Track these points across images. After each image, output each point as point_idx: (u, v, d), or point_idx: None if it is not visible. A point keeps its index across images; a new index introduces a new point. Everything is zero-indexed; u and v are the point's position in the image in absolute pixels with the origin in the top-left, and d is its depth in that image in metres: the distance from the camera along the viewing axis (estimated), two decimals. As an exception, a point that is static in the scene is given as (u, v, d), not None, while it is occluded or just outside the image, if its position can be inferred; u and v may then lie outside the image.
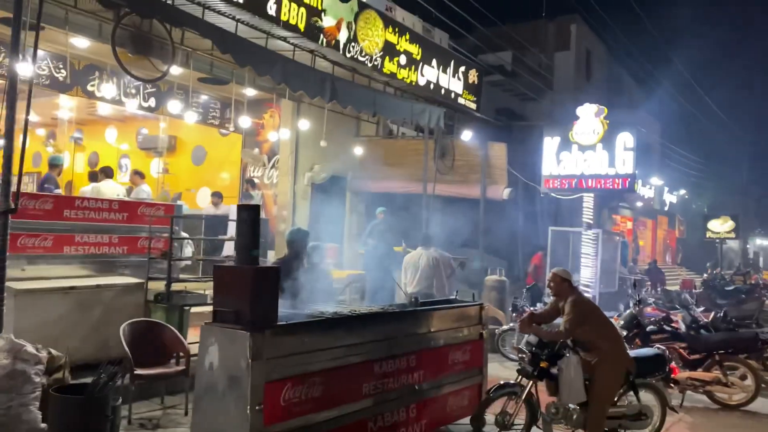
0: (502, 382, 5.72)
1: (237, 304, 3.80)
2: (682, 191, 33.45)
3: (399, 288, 6.92)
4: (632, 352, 6.00)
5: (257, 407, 3.68)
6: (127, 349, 5.82)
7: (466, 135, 12.59)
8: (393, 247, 10.62)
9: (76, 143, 12.07)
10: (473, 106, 12.81)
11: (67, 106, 11.99)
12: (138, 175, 10.71)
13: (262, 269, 3.90)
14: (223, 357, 3.82)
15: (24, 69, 5.61)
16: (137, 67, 8.01)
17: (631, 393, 5.75)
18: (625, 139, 12.11)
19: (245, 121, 10.85)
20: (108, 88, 9.81)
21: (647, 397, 5.94)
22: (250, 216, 3.86)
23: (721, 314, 9.07)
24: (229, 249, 10.26)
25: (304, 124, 11.35)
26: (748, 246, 39.45)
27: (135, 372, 5.75)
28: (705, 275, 21.25)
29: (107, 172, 9.89)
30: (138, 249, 8.01)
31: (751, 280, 19.78)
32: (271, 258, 10.07)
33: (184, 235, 8.70)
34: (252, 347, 3.67)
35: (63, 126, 12.83)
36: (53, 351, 5.84)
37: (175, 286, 7.33)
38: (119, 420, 5.13)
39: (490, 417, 5.58)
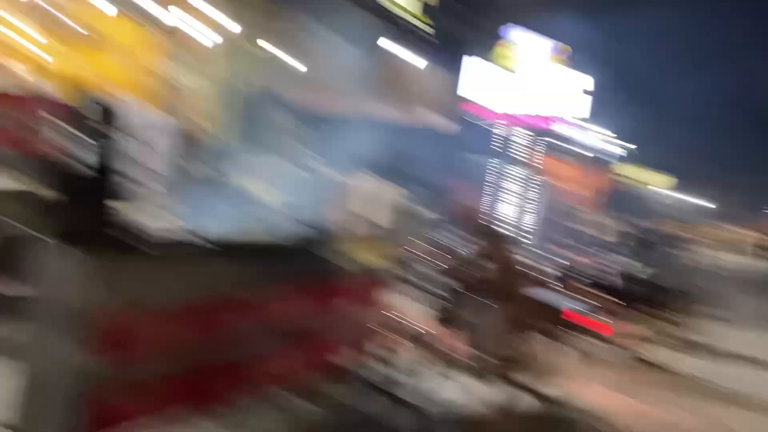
0: (410, 328, 5.12)
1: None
2: (626, 142, 33.51)
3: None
4: (551, 301, 5.60)
5: (83, 343, 2.86)
6: None
7: (407, 54, 11.64)
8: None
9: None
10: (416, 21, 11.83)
11: None
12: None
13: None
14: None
15: None
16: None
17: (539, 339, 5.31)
18: (582, 80, 11.48)
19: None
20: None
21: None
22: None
23: (642, 265, 8.99)
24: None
25: (232, 24, 10.01)
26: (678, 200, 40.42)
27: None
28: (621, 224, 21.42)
29: None
30: None
31: (675, 232, 20.02)
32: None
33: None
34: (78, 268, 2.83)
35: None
36: None
37: None
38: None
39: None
